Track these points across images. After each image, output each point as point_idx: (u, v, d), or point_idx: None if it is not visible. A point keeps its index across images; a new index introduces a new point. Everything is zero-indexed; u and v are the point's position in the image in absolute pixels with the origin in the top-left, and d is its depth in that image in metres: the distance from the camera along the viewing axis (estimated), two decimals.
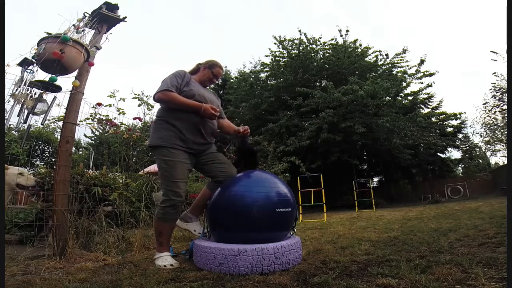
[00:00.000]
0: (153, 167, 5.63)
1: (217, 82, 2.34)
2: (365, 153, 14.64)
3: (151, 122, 2.55)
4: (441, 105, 16.24)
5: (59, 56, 2.09)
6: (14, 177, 2.34)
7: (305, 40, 13.38)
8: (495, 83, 11.91)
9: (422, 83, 12.60)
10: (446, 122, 15.81)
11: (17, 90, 2.16)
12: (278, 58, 13.96)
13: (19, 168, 2.44)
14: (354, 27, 34.18)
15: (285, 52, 13.69)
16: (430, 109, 15.91)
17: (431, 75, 12.27)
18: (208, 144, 2.12)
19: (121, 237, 2.62)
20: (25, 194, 5.41)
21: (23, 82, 2.20)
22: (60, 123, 2.68)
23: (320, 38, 13.60)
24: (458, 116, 14.85)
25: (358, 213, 7.72)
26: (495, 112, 12.47)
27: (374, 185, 15.97)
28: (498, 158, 24.68)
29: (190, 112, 1.99)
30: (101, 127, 4.12)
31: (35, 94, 2.25)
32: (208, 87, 2.34)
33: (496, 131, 13.15)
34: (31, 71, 2.23)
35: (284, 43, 13.58)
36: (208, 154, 2.10)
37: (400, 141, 11.43)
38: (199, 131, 2.03)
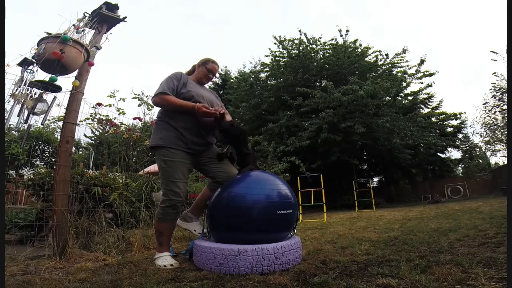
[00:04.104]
0: (153, 167, 5.64)
1: (214, 77, 2.32)
2: (365, 153, 14.65)
3: (151, 122, 2.55)
4: (441, 105, 16.33)
5: (59, 56, 2.09)
6: None
7: (305, 40, 13.38)
8: (495, 83, 11.90)
9: (422, 83, 12.59)
10: (446, 122, 15.86)
11: (17, 90, 2.16)
12: (278, 58, 13.94)
13: None
14: (354, 27, 34.18)
15: (285, 52, 13.67)
16: (430, 109, 15.96)
17: (431, 75, 12.26)
18: (208, 145, 2.12)
19: (121, 237, 2.62)
20: (25, 194, 5.41)
21: (23, 82, 2.20)
22: (60, 123, 2.69)
23: (320, 38, 13.62)
24: (458, 116, 14.93)
25: (358, 213, 7.71)
26: (495, 112, 12.45)
27: (374, 185, 16.00)
28: (498, 158, 24.71)
29: (188, 113, 1.99)
30: (101, 127, 4.12)
31: (35, 94, 2.26)
32: (208, 87, 2.34)
33: (496, 131, 13.13)
34: (31, 71, 2.23)
35: (284, 43, 13.57)
36: (208, 154, 2.10)
37: (400, 141, 11.44)
38: (199, 131, 2.03)
